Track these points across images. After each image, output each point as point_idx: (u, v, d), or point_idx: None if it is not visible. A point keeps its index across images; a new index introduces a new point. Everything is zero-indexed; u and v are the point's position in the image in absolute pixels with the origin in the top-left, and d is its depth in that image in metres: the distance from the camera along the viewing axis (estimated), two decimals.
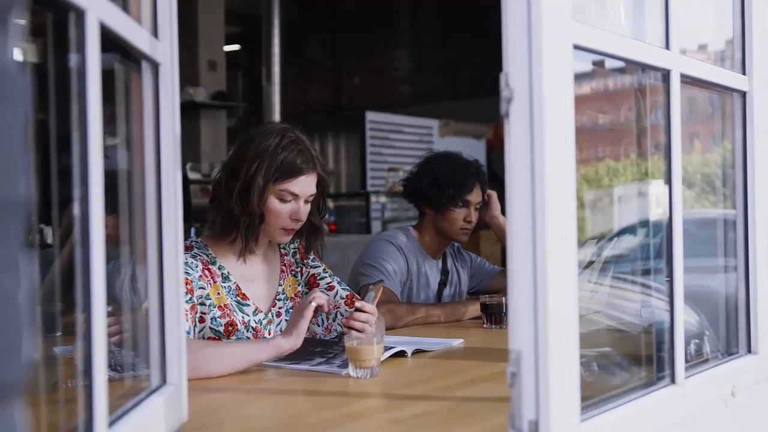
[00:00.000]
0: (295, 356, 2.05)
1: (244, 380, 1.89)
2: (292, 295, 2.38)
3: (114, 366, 1.30)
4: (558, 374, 1.16)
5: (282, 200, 2.20)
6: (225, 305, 2.20)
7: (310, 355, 2.09)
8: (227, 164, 2.25)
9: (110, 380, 1.06)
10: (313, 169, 2.22)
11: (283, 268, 2.39)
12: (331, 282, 2.40)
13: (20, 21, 0.59)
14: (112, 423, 1.08)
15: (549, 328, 1.15)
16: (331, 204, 8.00)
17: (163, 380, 1.37)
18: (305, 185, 2.21)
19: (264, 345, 1.98)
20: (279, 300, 2.35)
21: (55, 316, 1.91)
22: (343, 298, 2.37)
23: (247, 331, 2.22)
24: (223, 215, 2.21)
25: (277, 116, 9.77)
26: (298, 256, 2.43)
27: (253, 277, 2.31)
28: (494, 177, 4.88)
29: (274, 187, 2.18)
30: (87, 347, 0.99)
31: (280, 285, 2.36)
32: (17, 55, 0.58)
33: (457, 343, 2.37)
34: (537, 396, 1.16)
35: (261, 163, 2.15)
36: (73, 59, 0.99)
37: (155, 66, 1.34)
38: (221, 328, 2.17)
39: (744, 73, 1.80)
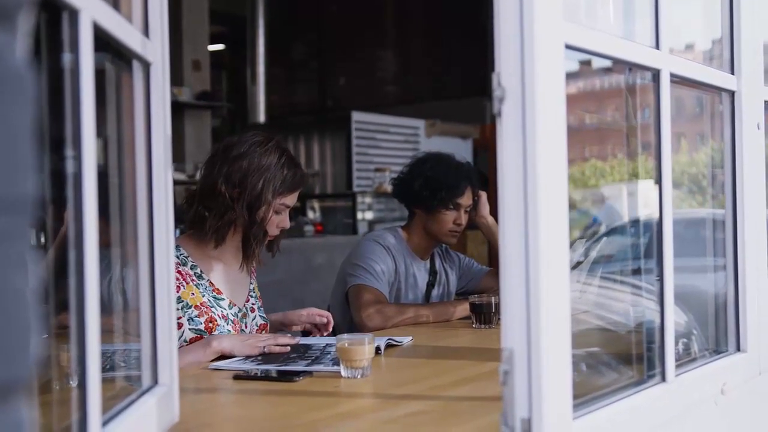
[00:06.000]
0: (281, 360, 2.05)
1: (235, 381, 1.88)
2: (259, 295, 2.47)
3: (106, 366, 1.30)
4: (551, 372, 1.16)
5: (277, 213, 2.29)
6: (201, 303, 2.24)
7: (296, 359, 2.08)
8: (224, 173, 2.24)
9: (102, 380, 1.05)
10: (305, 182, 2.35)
11: (252, 268, 2.47)
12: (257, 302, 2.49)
13: (28, 21, 0.59)
14: (104, 423, 1.08)
15: (542, 327, 1.15)
16: (317, 205, 7.99)
17: (155, 381, 1.36)
18: (296, 196, 2.34)
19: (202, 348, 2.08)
20: (252, 296, 2.42)
21: (44, 317, 1.90)
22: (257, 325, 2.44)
23: (227, 324, 2.27)
24: (228, 224, 2.25)
25: (261, 117, 9.75)
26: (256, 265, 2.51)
27: (226, 274, 2.36)
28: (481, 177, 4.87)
29: (277, 201, 2.27)
30: (81, 348, 0.98)
31: (251, 283, 2.45)
32: (25, 54, 0.58)
33: (407, 341, 2.36)
34: (530, 394, 1.16)
35: (267, 180, 2.24)
36: (65, 58, 0.99)
37: (146, 65, 1.33)
38: (201, 326, 2.20)
39: (732, 73, 1.81)
